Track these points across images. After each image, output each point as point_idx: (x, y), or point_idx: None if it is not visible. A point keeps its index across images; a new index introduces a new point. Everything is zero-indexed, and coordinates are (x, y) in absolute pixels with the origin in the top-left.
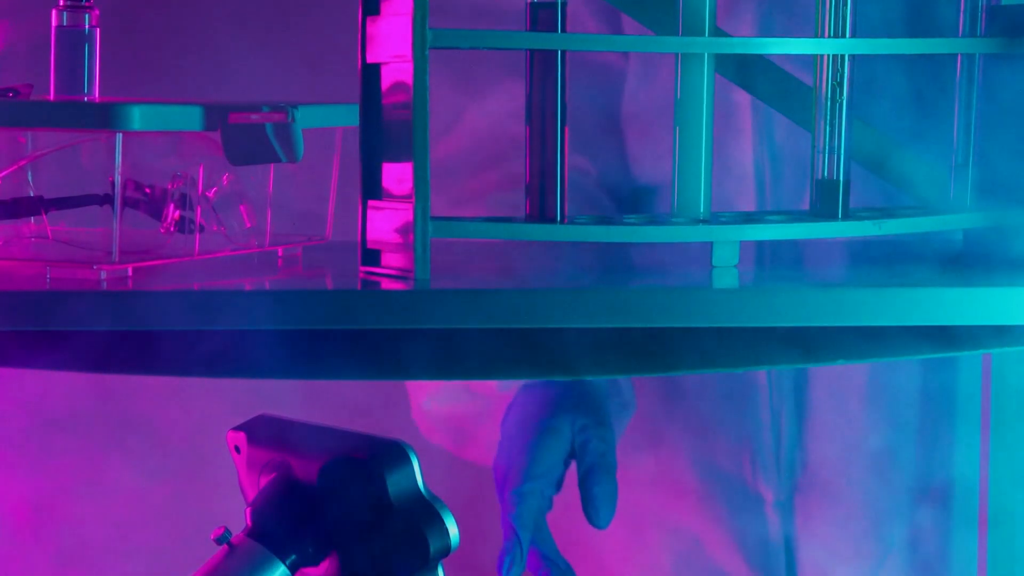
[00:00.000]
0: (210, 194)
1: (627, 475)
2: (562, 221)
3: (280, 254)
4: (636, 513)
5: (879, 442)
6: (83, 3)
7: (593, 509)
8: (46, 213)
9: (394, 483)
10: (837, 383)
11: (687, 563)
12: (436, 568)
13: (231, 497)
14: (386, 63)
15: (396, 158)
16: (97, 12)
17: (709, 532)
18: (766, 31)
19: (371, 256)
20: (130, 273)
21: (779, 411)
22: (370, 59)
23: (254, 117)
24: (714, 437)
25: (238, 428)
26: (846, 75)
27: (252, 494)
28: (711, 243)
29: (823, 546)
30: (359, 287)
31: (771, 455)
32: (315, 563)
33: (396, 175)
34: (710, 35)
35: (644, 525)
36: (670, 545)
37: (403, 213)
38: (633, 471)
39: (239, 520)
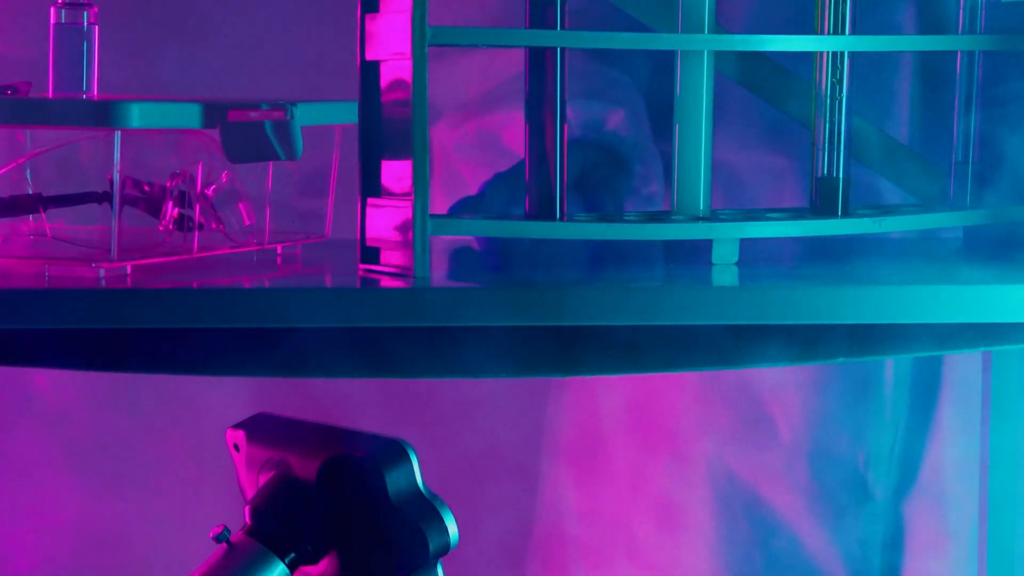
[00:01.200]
0: (209, 192)
1: (728, 465)
2: (561, 219)
3: (279, 252)
4: (733, 504)
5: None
6: (82, 0)
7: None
8: (45, 211)
9: (393, 481)
10: (962, 384)
11: (782, 560)
12: (435, 566)
13: (230, 495)
14: (385, 60)
15: (395, 156)
16: (96, 9)
17: (809, 527)
18: None
19: (370, 254)
20: (129, 271)
21: (901, 408)
22: (369, 56)
23: (253, 115)
24: (834, 430)
25: (237, 426)
26: (845, 72)
27: (251, 492)
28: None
29: (927, 553)
30: (358, 285)
31: (887, 453)
32: (314, 561)
33: (395, 173)
34: (709, 32)
35: (739, 517)
36: (766, 540)
37: (402, 211)
38: (737, 460)
39: (238, 518)
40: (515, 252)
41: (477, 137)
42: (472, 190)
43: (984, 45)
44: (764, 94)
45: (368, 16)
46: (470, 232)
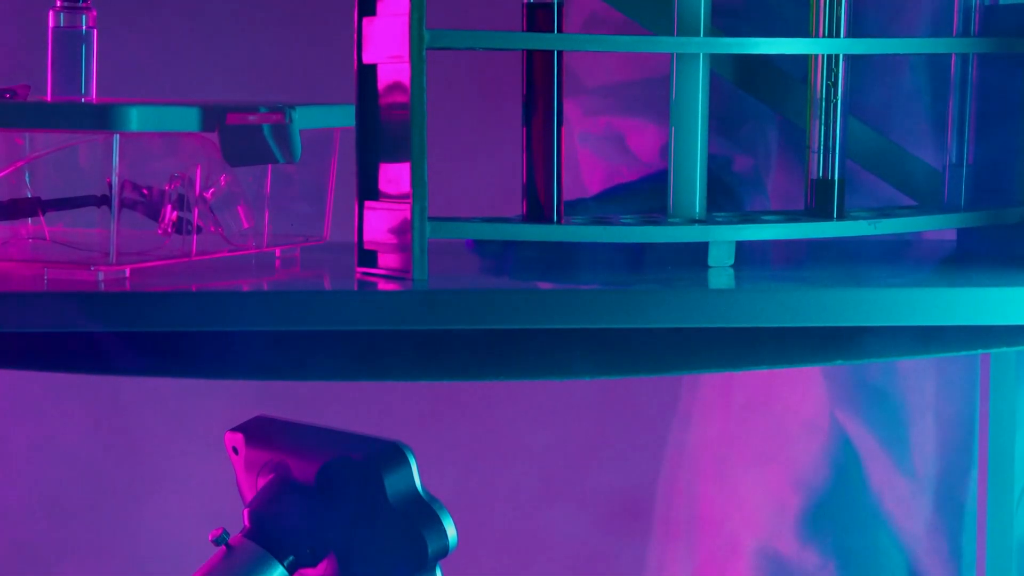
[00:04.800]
0: (208, 195)
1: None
2: (558, 222)
3: (278, 255)
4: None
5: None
6: (80, 4)
7: None
8: (44, 214)
9: (392, 484)
10: None
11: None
12: (434, 569)
13: (229, 498)
14: (383, 63)
15: (393, 159)
16: (95, 13)
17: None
18: None
19: (367, 257)
20: (128, 274)
21: None
22: (366, 60)
23: (251, 118)
24: (960, 475)
25: (236, 429)
26: (840, 75)
27: (250, 495)
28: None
29: None
30: (356, 288)
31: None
32: (313, 564)
33: (392, 175)
34: (705, 35)
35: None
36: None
37: (399, 213)
38: (838, 497)
39: (237, 521)
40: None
41: (605, 130)
42: (584, 181)
43: (979, 48)
44: (761, 96)
45: (365, 19)
46: (467, 235)
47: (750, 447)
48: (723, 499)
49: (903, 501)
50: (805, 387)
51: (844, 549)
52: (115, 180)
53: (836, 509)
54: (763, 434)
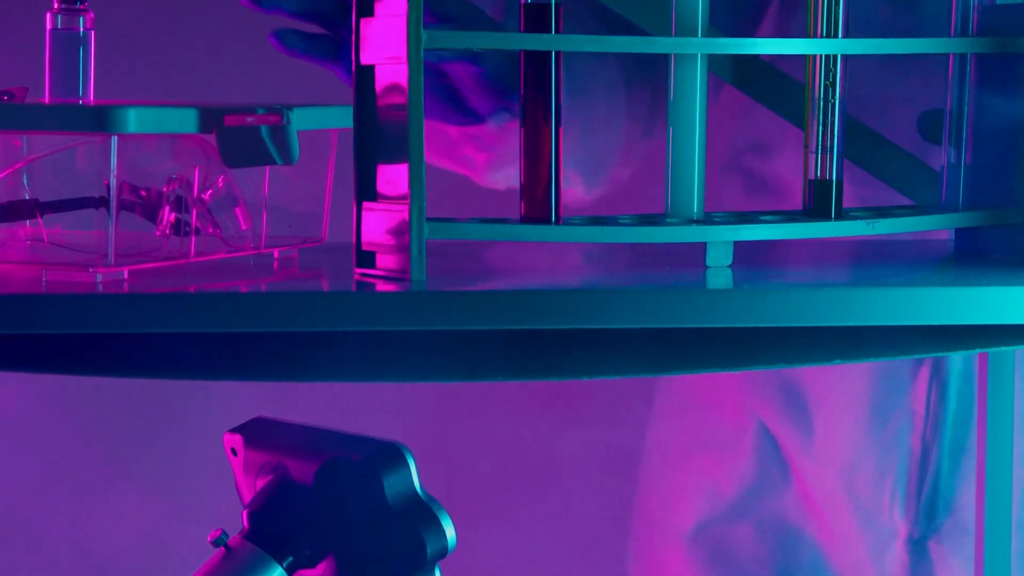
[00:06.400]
0: (205, 196)
1: (749, 489)
2: (556, 222)
3: (276, 256)
4: (758, 528)
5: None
6: (78, 5)
7: None
8: (42, 216)
9: (391, 485)
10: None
11: None
12: (433, 570)
13: (228, 499)
14: (380, 64)
15: (391, 159)
16: (92, 15)
17: (831, 556)
18: None
19: (366, 258)
20: (126, 276)
21: (932, 443)
22: (364, 61)
23: (249, 119)
24: (858, 457)
25: (235, 430)
26: (838, 75)
27: (249, 496)
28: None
29: None
30: (354, 289)
31: (914, 488)
32: (312, 565)
33: (391, 176)
34: (703, 35)
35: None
36: (793, 557)
37: (398, 214)
38: (760, 486)
39: (236, 522)
40: None
41: None
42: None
43: (977, 48)
44: (759, 96)
45: (363, 20)
46: (465, 235)
47: (685, 438)
48: (666, 489)
49: (813, 483)
50: (726, 380)
51: (776, 530)
52: (113, 182)
53: (763, 489)
54: (696, 425)
